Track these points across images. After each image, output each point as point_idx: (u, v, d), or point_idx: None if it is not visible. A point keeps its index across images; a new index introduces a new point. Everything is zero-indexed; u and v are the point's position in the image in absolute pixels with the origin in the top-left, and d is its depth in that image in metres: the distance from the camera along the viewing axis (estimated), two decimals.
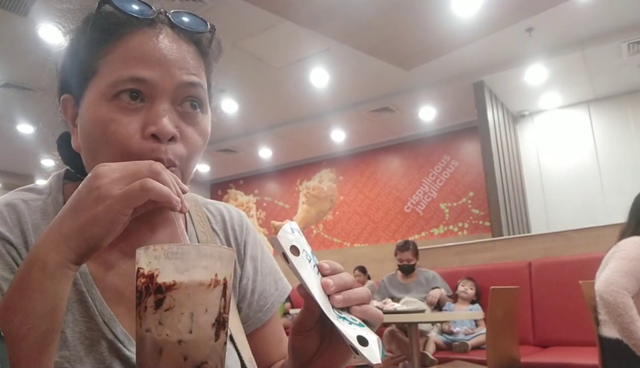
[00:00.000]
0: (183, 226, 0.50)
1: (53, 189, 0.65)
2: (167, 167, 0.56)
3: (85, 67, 0.60)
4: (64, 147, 0.69)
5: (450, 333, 3.74)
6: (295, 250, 0.51)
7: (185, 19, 0.61)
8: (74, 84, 0.62)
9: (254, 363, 0.69)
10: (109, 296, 0.60)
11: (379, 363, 0.49)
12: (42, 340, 0.47)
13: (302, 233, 0.53)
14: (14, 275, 0.52)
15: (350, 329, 0.49)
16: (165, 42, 0.59)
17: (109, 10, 0.58)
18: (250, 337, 0.73)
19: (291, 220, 0.54)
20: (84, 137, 0.61)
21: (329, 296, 0.51)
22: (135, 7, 0.58)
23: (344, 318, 0.51)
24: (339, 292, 0.52)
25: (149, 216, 0.55)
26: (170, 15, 0.61)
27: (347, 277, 0.53)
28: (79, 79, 0.61)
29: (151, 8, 0.59)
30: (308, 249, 0.53)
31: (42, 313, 0.47)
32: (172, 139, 0.58)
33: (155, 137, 0.57)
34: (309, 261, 0.52)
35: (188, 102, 0.60)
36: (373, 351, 0.49)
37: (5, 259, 0.56)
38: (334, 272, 0.53)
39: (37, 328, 0.47)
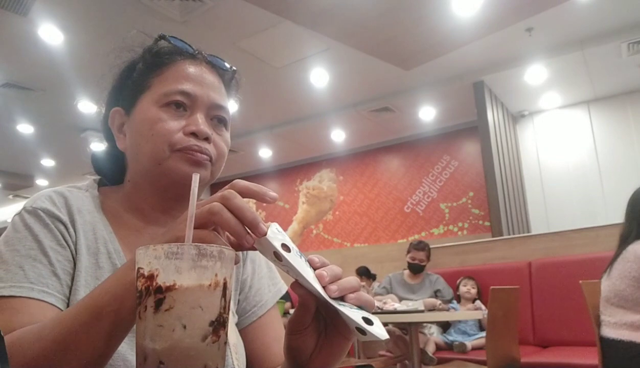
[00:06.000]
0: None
1: (89, 187, 0.82)
2: (204, 160, 0.74)
3: (140, 84, 0.78)
4: (99, 160, 0.88)
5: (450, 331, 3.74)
6: (286, 247, 0.52)
7: (216, 58, 0.83)
8: (126, 98, 0.79)
9: (239, 349, 0.77)
10: (130, 253, 0.75)
11: (387, 339, 0.52)
12: (112, 320, 0.54)
13: (286, 234, 0.55)
14: (60, 246, 0.70)
15: (352, 313, 0.52)
16: (204, 70, 0.79)
17: (163, 44, 0.80)
18: (249, 328, 0.83)
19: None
20: (132, 135, 0.77)
21: (324, 287, 0.53)
22: (183, 43, 0.80)
23: (342, 306, 0.53)
24: (332, 282, 0.54)
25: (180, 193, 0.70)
26: (205, 54, 0.82)
27: (336, 268, 0.56)
28: (133, 93, 0.78)
29: (192, 48, 0.81)
30: (295, 247, 0.54)
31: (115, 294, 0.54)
32: (206, 139, 0.74)
33: (193, 135, 0.73)
34: (300, 257, 0.53)
35: (217, 118, 0.79)
36: (380, 328, 0.52)
37: (54, 233, 0.71)
38: (323, 264, 0.55)
39: (109, 307, 0.54)
